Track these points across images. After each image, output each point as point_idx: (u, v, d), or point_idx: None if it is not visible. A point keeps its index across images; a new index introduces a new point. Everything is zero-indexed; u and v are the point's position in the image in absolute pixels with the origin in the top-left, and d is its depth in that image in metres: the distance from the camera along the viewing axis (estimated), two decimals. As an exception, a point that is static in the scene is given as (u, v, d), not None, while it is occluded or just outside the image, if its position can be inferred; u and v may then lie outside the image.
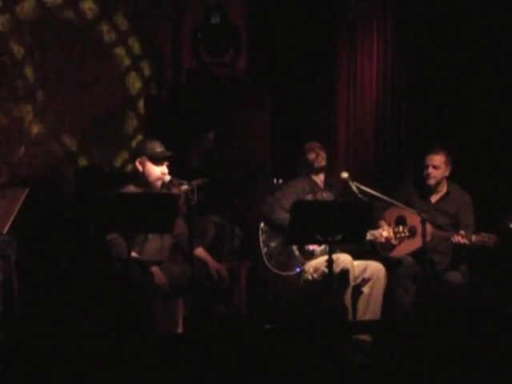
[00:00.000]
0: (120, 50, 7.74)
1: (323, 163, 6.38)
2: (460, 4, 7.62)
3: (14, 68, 7.31)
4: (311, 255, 6.22)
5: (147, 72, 7.86)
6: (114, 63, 7.73)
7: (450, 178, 6.61)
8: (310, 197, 6.30)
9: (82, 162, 7.50)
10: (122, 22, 7.73)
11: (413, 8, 7.78)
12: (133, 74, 7.80)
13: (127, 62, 7.77)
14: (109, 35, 7.69)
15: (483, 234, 6.23)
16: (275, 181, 7.21)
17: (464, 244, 6.22)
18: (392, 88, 7.85)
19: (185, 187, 5.57)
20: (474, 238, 6.23)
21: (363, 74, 7.86)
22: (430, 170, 6.46)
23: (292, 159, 7.62)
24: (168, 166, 5.69)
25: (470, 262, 6.49)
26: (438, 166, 6.46)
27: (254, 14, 7.98)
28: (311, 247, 6.19)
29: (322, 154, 6.38)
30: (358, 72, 7.87)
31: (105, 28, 7.65)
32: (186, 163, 6.90)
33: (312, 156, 6.37)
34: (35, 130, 7.36)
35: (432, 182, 6.49)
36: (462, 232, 6.24)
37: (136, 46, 7.82)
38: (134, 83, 7.80)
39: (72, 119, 7.47)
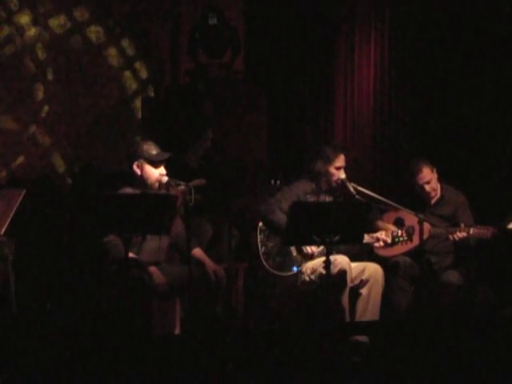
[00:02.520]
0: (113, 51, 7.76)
1: (335, 185, 6.30)
2: (458, 3, 7.62)
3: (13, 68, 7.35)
4: (310, 258, 6.21)
5: (144, 73, 7.86)
6: (111, 64, 7.74)
7: (447, 179, 6.60)
8: (311, 199, 6.26)
9: (79, 162, 7.50)
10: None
11: (410, 8, 7.78)
12: (129, 74, 7.80)
13: (124, 63, 7.78)
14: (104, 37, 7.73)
15: (481, 226, 6.23)
16: (272, 182, 7.20)
17: (464, 238, 6.21)
18: (390, 88, 7.84)
19: (182, 188, 5.57)
20: (472, 230, 6.22)
21: (361, 76, 7.86)
22: (427, 187, 6.42)
23: (290, 159, 7.63)
24: (165, 167, 5.69)
25: (469, 262, 6.48)
26: (429, 179, 6.43)
27: (251, 15, 7.99)
28: (310, 250, 6.17)
29: (342, 177, 6.23)
30: (355, 73, 7.88)
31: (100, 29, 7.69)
32: (183, 163, 6.89)
33: (337, 175, 6.23)
34: (32, 131, 7.36)
35: (433, 194, 6.48)
36: (461, 224, 6.23)
37: (132, 47, 7.82)
38: (131, 84, 7.81)
39: (69, 120, 7.48)
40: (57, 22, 7.49)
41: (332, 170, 6.26)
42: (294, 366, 5.00)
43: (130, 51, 7.82)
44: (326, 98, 7.96)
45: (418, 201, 6.49)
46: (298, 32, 7.89)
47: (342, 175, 6.22)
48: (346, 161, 6.35)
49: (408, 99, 7.85)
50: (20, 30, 7.33)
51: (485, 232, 6.20)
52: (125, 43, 7.80)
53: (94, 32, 7.63)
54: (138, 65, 7.85)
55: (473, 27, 7.58)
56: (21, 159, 7.31)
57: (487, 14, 7.52)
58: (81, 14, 7.60)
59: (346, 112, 7.90)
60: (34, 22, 7.39)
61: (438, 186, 6.53)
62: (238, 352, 5.02)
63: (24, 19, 7.36)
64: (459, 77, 7.67)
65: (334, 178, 6.25)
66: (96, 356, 4.86)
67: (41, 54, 7.41)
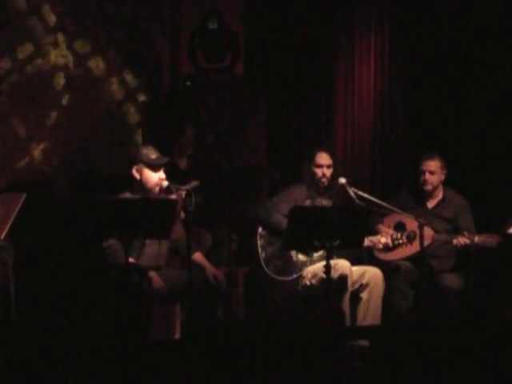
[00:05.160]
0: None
1: (325, 184, 6.31)
2: (458, 7, 7.62)
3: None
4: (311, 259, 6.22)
5: (144, 78, 7.87)
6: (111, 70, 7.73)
7: (448, 183, 6.61)
8: (308, 203, 6.28)
9: (79, 167, 7.48)
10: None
11: (410, 13, 7.79)
12: (130, 106, 7.80)
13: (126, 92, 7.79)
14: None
15: (486, 235, 6.23)
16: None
17: (467, 245, 6.21)
18: (389, 94, 7.85)
19: (182, 192, 5.57)
20: (476, 238, 6.22)
21: (361, 80, 7.86)
22: (427, 175, 6.46)
23: (290, 163, 7.63)
24: (165, 172, 5.69)
25: (469, 266, 6.48)
26: (434, 171, 6.46)
27: (251, 19, 7.98)
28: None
29: (328, 174, 6.27)
30: (355, 78, 7.88)
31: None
32: (173, 166, 6.87)
33: (318, 173, 6.29)
34: (32, 135, 7.35)
35: (429, 187, 6.49)
36: (465, 233, 6.24)
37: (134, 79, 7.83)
38: (134, 117, 7.82)
39: (69, 124, 7.47)
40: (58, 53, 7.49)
41: (313, 168, 6.29)
42: (294, 371, 4.99)
43: (132, 82, 7.80)
44: (326, 101, 7.96)
45: (418, 199, 6.52)
46: (298, 36, 7.89)
47: (342, 179, 6.23)
48: (344, 163, 6.38)
49: (408, 100, 7.85)
50: (22, 62, 7.34)
51: (490, 241, 6.20)
52: (127, 74, 7.78)
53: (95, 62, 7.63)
54: (140, 96, 7.85)
55: (473, 27, 7.59)
56: (21, 163, 7.30)
57: (488, 14, 7.53)
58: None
59: (346, 115, 7.90)
60: (36, 54, 7.39)
61: (441, 188, 6.54)
62: (239, 357, 5.02)
63: (25, 51, 7.35)
64: (460, 77, 7.67)
65: (317, 177, 6.28)
66: (95, 361, 4.85)
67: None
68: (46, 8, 7.41)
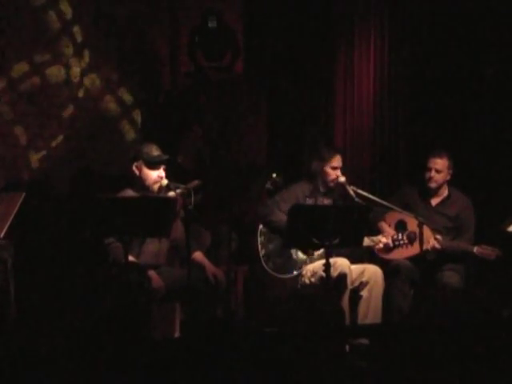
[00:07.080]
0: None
1: (333, 186, 6.33)
2: (458, 3, 7.62)
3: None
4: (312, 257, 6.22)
5: (143, 79, 7.86)
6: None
7: (451, 182, 6.61)
8: (310, 201, 6.29)
9: (79, 165, 7.48)
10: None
11: (410, 7, 7.78)
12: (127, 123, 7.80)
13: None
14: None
15: (485, 247, 6.23)
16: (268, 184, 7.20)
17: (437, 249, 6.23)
18: (389, 89, 7.83)
19: (182, 191, 5.58)
20: (475, 249, 6.24)
21: (361, 77, 7.84)
22: (433, 173, 6.45)
23: (290, 162, 7.63)
24: (165, 170, 5.70)
25: (468, 264, 6.48)
26: (440, 169, 6.46)
27: (250, 18, 7.98)
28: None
29: (339, 177, 6.29)
30: (355, 74, 7.86)
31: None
32: (177, 165, 6.87)
33: (332, 175, 6.29)
34: (30, 133, 7.34)
35: (433, 185, 6.49)
36: (438, 236, 6.25)
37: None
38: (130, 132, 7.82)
39: (69, 122, 7.46)
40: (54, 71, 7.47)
41: (328, 169, 6.30)
42: (294, 370, 4.99)
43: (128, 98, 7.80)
44: (326, 99, 7.95)
45: (423, 196, 6.52)
46: (298, 34, 7.88)
47: (342, 178, 6.24)
48: (344, 162, 6.39)
49: (408, 100, 7.85)
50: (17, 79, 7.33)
51: (489, 253, 6.21)
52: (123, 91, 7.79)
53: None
54: (135, 114, 7.84)
55: (474, 26, 7.58)
56: (20, 162, 7.30)
57: (488, 12, 7.52)
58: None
59: (346, 113, 7.88)
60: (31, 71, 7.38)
61: (445, 187, 6.55)
62: (238, 355, 5.01)
63: (21, 68, 7.34)
64: (460, 76, 7.66)
65: (330, 178, 6.29)
66: (95, 360, 4.85)
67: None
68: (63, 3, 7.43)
